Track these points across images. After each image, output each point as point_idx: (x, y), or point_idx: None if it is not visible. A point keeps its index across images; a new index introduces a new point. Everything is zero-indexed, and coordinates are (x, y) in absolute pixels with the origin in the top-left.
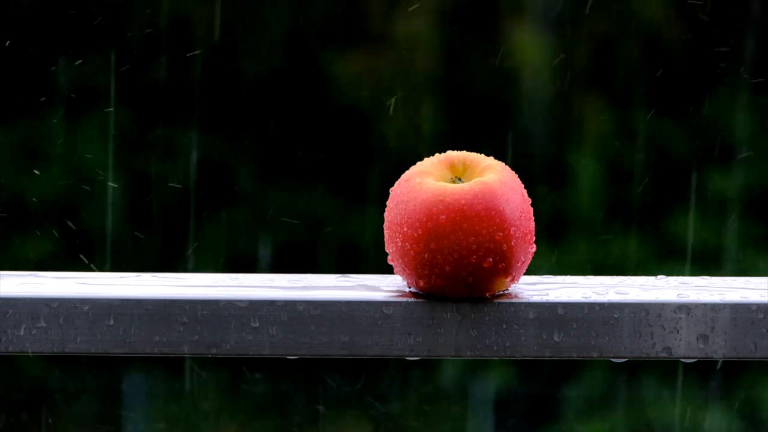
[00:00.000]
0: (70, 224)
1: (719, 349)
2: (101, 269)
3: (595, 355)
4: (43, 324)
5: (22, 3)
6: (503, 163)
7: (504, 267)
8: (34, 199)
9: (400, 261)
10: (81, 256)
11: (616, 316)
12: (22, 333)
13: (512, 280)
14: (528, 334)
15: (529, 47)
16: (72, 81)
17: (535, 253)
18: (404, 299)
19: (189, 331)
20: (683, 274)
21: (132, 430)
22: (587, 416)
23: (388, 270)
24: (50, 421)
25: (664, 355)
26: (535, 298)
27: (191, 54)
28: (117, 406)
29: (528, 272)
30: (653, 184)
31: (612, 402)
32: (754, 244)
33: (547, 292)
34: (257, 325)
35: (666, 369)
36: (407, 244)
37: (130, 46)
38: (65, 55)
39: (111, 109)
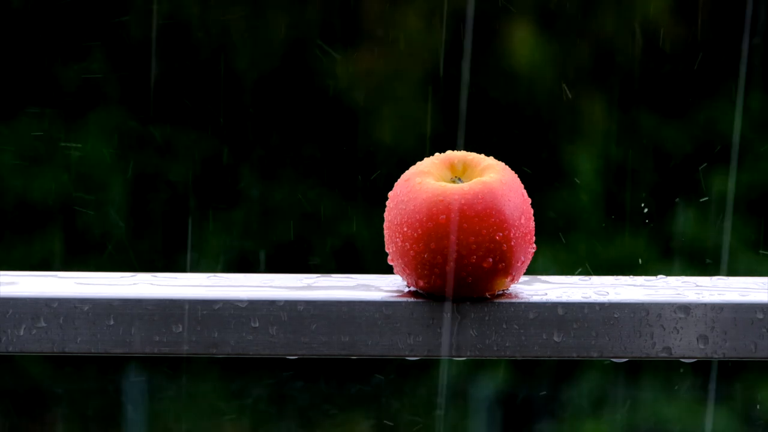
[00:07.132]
0: (71, 224)
1: (719, 349)
2: (101, 269)
3: (595, 355)
4: (43, 324)
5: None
6: (503, 163)
7: (504, 267)
8: (36, 199)
9: (400, 261)
10: (81, 256)
11: (616, 316)
12: (22, 333)
13: (512, 280)
14: (528, 334)
15: (529, 47)
16: (73, 80)
17: (535, 252)
18: (404, 299)
19: (189, 331)
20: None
21: (132, 429)
22: (587, 416)
23: (388, 270)
24: (50, 420)
25: (664, 355)
26: (535, 298)
27: (191, 54)
28: (117, 406)
29: (528, 272)
30: (653, 184)
31: (611, 401)
32: (754, 244)
33: (547, 292)
34: (257, 325)
35: (666, 369)
36: (407, 244)
37: (131, 46)
38: (66, 54)
39: (112, 109)
